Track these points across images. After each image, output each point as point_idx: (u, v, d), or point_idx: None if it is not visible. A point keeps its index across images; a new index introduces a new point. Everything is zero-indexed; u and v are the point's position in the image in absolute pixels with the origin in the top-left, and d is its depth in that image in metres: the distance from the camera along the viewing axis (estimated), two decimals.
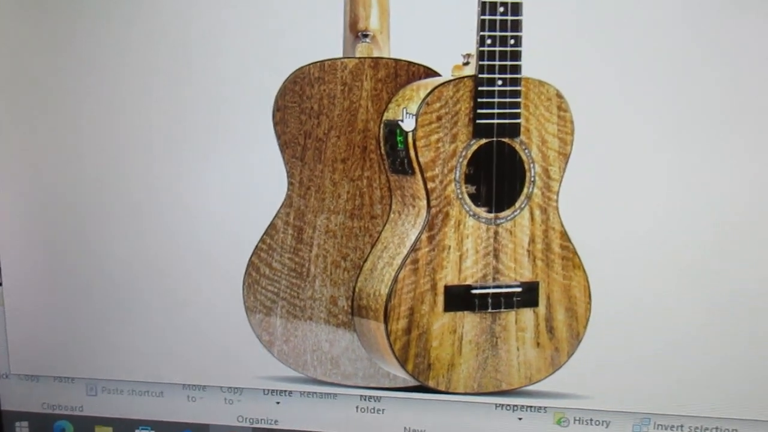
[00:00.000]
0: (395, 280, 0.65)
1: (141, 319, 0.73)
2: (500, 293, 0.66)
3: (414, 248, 0.65)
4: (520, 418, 0.69)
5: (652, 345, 0.66)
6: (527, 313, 0.67)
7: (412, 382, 0.68)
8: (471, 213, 0.65)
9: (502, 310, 0.66)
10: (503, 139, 0.64)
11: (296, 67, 0.65)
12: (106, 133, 0.70)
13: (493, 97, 0.63)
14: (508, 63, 0.62)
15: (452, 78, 0.63)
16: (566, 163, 0.65)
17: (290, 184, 0.68)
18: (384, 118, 0.66)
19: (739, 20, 0.61)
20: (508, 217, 0.65)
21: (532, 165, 0.65)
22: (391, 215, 0.68)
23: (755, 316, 0.64)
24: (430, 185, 0.64)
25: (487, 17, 0.62)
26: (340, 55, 0.65)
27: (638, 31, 0.62)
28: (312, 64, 0.65)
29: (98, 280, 0.73)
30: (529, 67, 0.63)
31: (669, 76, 0.62)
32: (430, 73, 0.65)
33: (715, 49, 0.61)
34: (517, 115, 0.63)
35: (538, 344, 0.67)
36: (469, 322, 0.67)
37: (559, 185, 0.65)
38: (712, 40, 0.61)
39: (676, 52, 0.62)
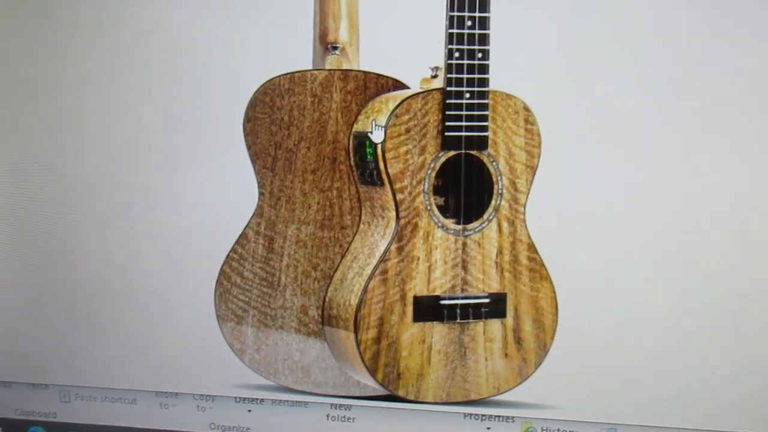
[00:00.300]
0: (365, 290, 0.66)
1: (114, 326, 0.74)
2: (468, 304, 0.66)
3: (383, 259, 0.66)
4: (488, 428, 0.70)
5: (619, 357, 0.66)
6: (495, 324, 0.67)
7: (381, 391, 0.69)
8: (439, 224, 0.66)
9: (471, 320, 0.67)
10: (471, 152, 0.64)
11: (266, 78, 0.65)
12: (81, 141, 0.70)
13: (461, 110, 0.63)
14: (476, 76, 0.63)
15: (421, 90, 0.64)
16: (533, 175, 0.65)
17: (261, 194, 0.68)
18: (353, 129, 0.66)
19: (732, 22, 0.61)
20: (476, 229, 0.66)
21: (499, 177, 0.65)
22: (361, 226, 0.68)
23: (725, 331, 0.65)
24: (399, 196, 0.65)
25: (455, 31, 0.62)
26: (310, 67, 0.66)
27: (612, 39, 0.63)
28: (282, 75, 0.65)
29: (72, 287, 0.74)
30: (498, 80, 0.63)
31: (656, 81, 0.63)
32: (399, 85, 0.65)
33: (705, 52, 0.62)
34: (484, 128, 0.64)
35: (506, 355, 0.68)
36: (438, 332, 0.67)
37: (526, 198, 0.66)
38: (701, 43, 0.62)
39: (661, 57, 0.63)
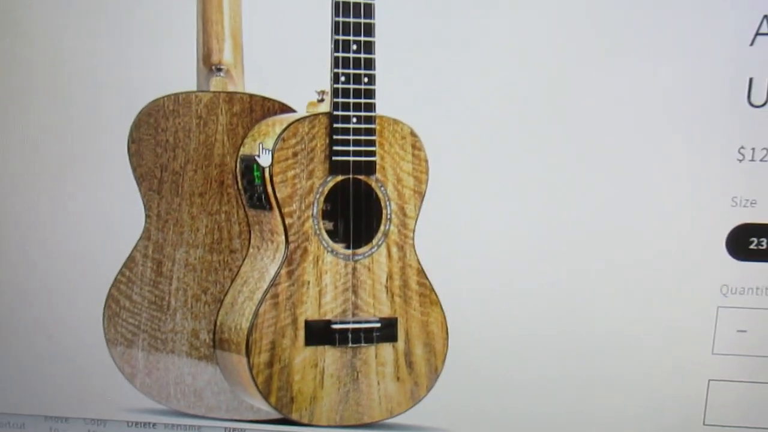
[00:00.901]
0: (256, 314, 0.65)
1: (1, 349, 0.71)
2: (360, 328, 0.66)
3: (274, 283, 0.65)
4: None
5: (510, 378, 0.67)
6: (387, 348, 0.67)
7: (275, 415, 0.68)
8: (329, 249, 0.65)
9: (362, 345, 0.66)
10: (359, 177, 0.64)
11: (149, 99, 0.63)
12: None
13: (348, 135, 0.62)
14: (362, 101, 0.62)
15: (308, 114, 0.62)
16: (422, 201, 0.65)
17: (148, 216, 0.66)
18: (240, 153, 0.65)
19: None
20: (366, 254, 0.65)
21: (388, 203, 0.64)
22: (251, 250, 0.67)
23: (620, 353, 0.66)
24: (287, 221, 0.64)
25: (340, 54, 0.61)
26: (195, 89, 0.64)
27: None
28: (166, 96, 0.63)
29: None
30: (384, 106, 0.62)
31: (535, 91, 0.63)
32: (285, 108, 0.64)
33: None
34: (372, 153, 0.63)
35: (398, 378, 0.68)
36: (330, 356, 0.67)
37: (415, 223, 0.65)
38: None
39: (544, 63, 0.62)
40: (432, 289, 0.66)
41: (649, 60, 0.61)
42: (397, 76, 0.62)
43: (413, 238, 0.65)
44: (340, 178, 0.63)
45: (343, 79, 0.61)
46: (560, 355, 0.66)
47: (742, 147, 0.62)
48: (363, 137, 0.63)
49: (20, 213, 0.68)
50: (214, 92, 0.64)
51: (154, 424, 0.72)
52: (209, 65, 0.64)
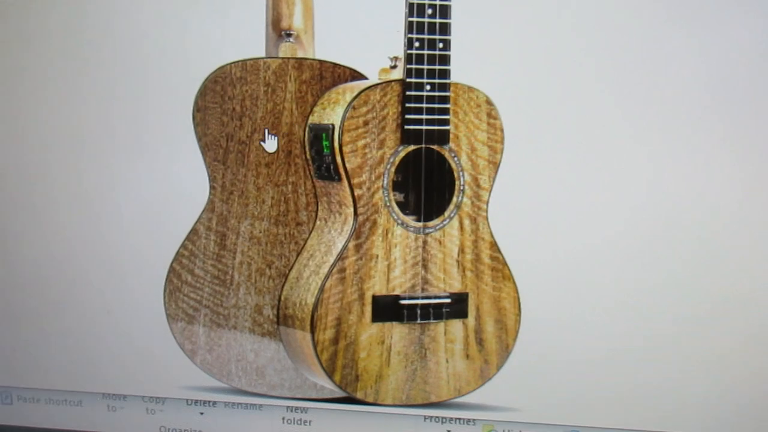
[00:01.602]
0: (322, 289, 0.63)
1: (59, 325, 0.70)
2: (429, 304, 0.64)
3: (341, 257, 0.63)
4: (448, 431, 0.68)
5: (581, 359, 0.65)
6: (456, 325, 0.65)
7: (339, 394, 0.66)
8: (399, 221, 0.63)
9: (431, 321, 0.64)
10: (432, 146, 0.62)
11: (216, 66, 0.62)
12: (15, 136, 0.67)
13: (422, 103, 0.60)
14: (437, 67, 0.60)
15: (379, 81, 0.61)
16: (496, 172, 0.63)
17: (212, 188, 0.65)
18: (309, 121, 0.63)
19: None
20: (437, 227, 0.63)
21: (461, 173, 0.62)
22: (317, 222, 0.65)
23: (688, 333, 0.63)
24: (357, 192, 0.62)
25: (415, 19, 0.59)
26: (263, 55, 0.62)
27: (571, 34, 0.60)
28: (233, 63, 0.62)
29: (15, 285, 0.70)
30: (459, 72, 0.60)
31: (625, 76, 0.61)
32: (356, 75, 0.62)
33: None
34: (446, 122, 0.61)
35: (467, 356, 0.66)
36: (398, 332, 0.65)
37: (489, 195, 0.63)
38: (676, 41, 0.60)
39: (633, 52, 0.60)
40: (505, 264, 0.64)
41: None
42: None
43: (487, 211, 0.63)
44: (412, 147, 0.61)
45: (417, 44, 0.59)
46: (639, 333, 0.64)
47: None
48: (437, 105, 0.61)
49: (81, 188, 0.67)
50: (282, 58, 0.62)
51: (214, 403, 0.70)
52: (278, 31, 0.62)
